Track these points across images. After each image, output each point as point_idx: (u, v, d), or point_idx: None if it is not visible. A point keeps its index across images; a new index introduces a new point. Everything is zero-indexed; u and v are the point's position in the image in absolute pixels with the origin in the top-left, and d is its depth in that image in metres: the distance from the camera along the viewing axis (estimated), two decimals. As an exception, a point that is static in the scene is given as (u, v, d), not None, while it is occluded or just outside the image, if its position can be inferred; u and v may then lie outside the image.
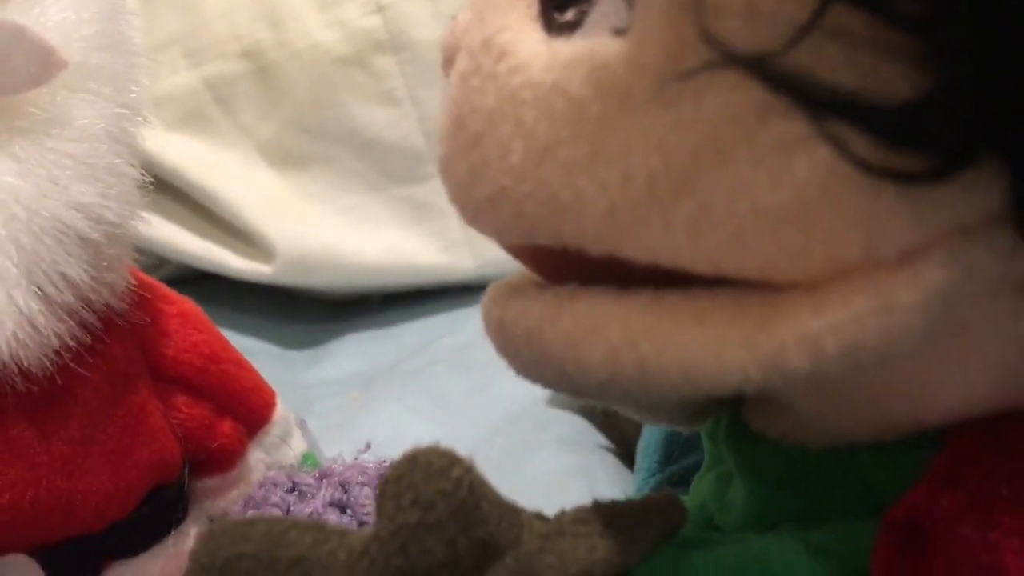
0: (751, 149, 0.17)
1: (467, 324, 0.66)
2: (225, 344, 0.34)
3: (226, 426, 0.33)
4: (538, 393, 0.54)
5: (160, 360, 0.32)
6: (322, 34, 0.67)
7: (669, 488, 0.36)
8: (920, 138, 0.16)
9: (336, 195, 0.68)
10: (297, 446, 0.36)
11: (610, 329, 0.18)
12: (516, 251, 0.22)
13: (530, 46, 0.19)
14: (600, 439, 0.48)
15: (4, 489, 0.26)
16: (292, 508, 0.28)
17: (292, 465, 0.34)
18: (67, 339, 0.26)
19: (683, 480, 0.36)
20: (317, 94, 0.67)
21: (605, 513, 0.20)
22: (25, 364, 0.25)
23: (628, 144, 0.18)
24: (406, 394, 0.56)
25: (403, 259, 0.68)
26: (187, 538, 0.32)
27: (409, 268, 0.68)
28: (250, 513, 0.28)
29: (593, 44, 0.18)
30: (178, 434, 0.32)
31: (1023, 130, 0.16)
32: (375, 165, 0.68)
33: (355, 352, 0.65)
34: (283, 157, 0.68)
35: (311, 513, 0.28)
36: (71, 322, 0.26)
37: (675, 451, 0.37)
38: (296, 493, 0.28)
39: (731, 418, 0.22)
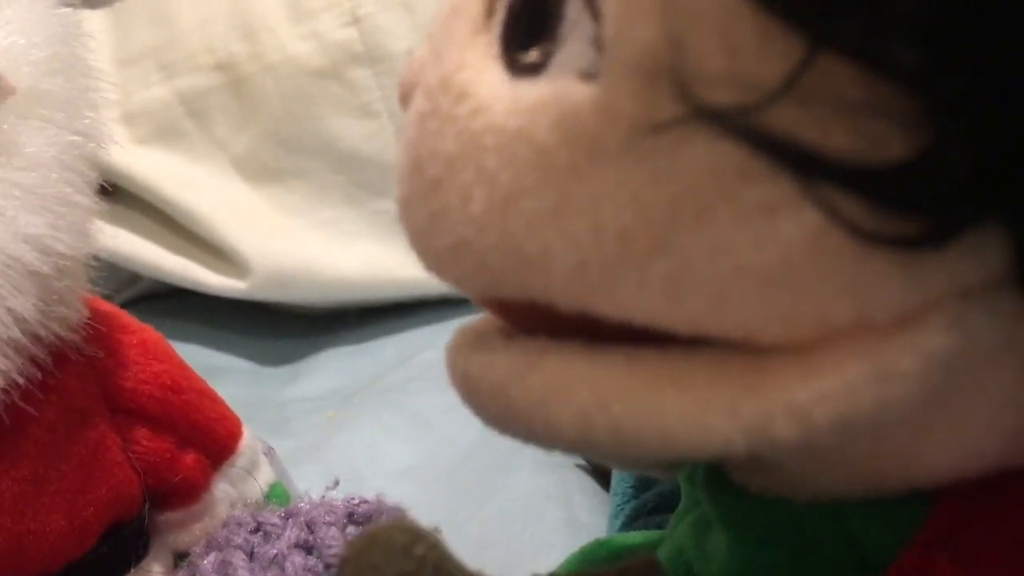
0: (733, 207, 0.16)
1: (446, 338, 0.65)
2: (188, 373, 0.34)
3: (189, 458, 0.32)
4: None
5: (118, 392, 0.31)
6: (297, 46, 0.66)
7: (646, 519, 0.35)
8: (916, 201, 0.15)
9: (313, 209, 0.67)
10: (264, 476, 0.35)
11: (581, 389, 0.17)
12: (481, 300, 0.20)
13: (491, 87, 0.18)
14: (578, 459, 0.47)
15: (-48, 532, 0.25)
16: (256, 549, 0.27)
17: (258, 501, 0.33)
18: (15, 376, 0.25)
19: (657, 508, 0.35)
20: (292, 107, 0.66)
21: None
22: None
23: (599, 196, 0.16)
24: (383, 413, 0.55)
25: (381, 273, 0.67)
26: (149, 575, 0.31)
27: (387, 282, 0.67)
28: (213, 555, 0.27)
29: (560, 88, 0.17)
30: (138, 468, 0.31)
31: None
32: (352, 178, 0.67)
33: (332, 368, 0.64)
34: (258, 171, 0.68)
35: (276, 555, 0.27)
36: (19, 359, 0.25)
37: (649, 478, 0.36)
38: (261, 533, 0.28)
39: (709, 468, 0.21)
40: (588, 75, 0.17)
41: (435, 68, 0.19)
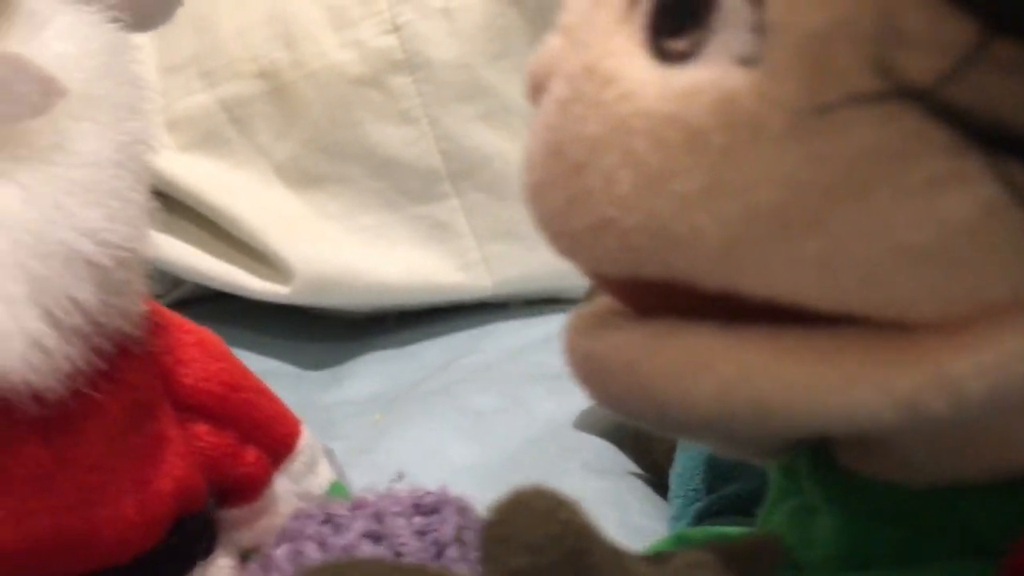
0: (894, 186, 0.16)
1: (486, 343, 0.65)
2: (246, 372, 0.34)
3: (250, 455, 0.33)
4: (561, 415, 0.53)
5: (179, 389, 0.31)
6: (338, 54, 0.67)
7: (712, 520, 0.35)
8: None
9: (353, 214, 0.68)
10: (324, 474, 0.35)
11: (722, 364, 0.18)
12: (608, 282, 0.21)
13: (639, 73, 0.19)
14: (628, 464, 0.47)
15: (23, 518, 0.26)
16: (328, 540, 0.27)
17: (320, 497, 0.33)
18: (79, 363, 0.26)
19: (724, 510, 0.35)
20: (333, 114, 0.67)
21: (717, 556, 0.19)
22: (37, 387, 0.25)
23: (754, 177, 0.17)
24: (429, 416, 0.55)
25: (421, 278, 0.67)
26: (216, 570, 0.31)
27: (427, 287, 0.68)
28: (286, 546, 0.27)
29: (716, 74, 0.17)
30: (201, 463, 0.31)
31: None
32: (392, 184, 0.67)
33: (374, 372, 0.64)
34: (300, 177, 0.68)
35: (346, 545, 0.27)
36: (82, 346, 0.26)
37: (715, 479, 0.36)
38: (330, 525, 0.28)
39: (814, 452, 0.21)
40: (746, 61, 0.17)
41: (577, 56, 0.20)
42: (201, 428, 0.31)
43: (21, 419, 0.25)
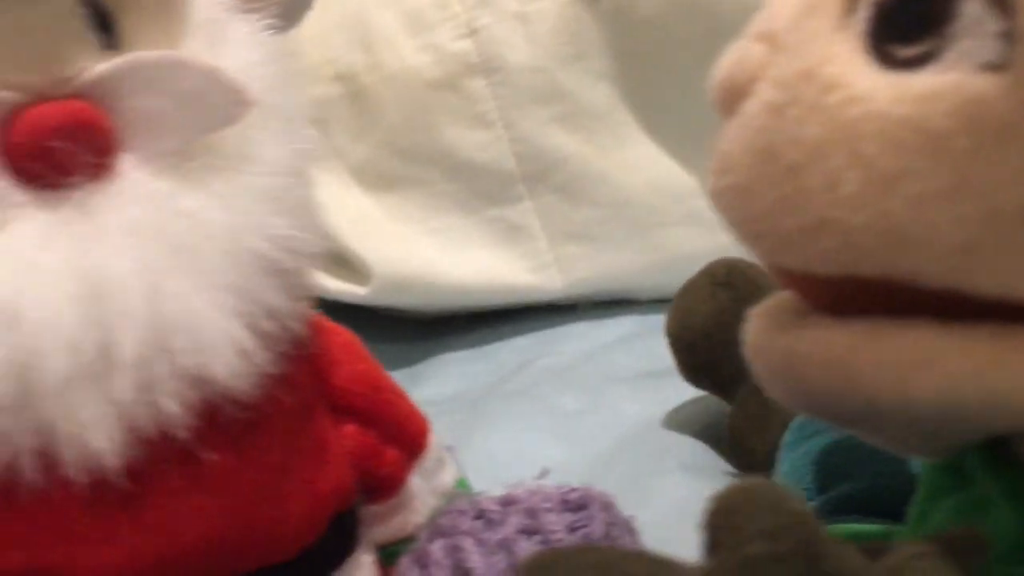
0: None
1: (561, 344, 0.66)
2: (384, 373, 0.35)
3: (391, 453, 0.34)
4: (646, 416, 0.54)
5: (331, 389, 0.32)
6: (414, 58, 0.68)
7: (826, 519, 0.35)
8: None
9: (428, 216, 0.69)
10: (451, 472, 0.36)
11: (949, 360, 0.18)
12: (801, 280, 0.21)
13: (865, 79, 0.19)
14: (722, 465, 0.48)
15: (211, 517, 0.27)
16: (483, 536, 0.28)
17: (450, 494, 0.34)
18: (270, 368, 0.27)
19: (839, 508, 0.35)
20: (409, 117, 0.68)
21: (940, 546, 0.20)
22: (237, 392, 0.26)
23: (1001, 178, 0.18)
24: (513, 417, 0.56)
25: (494, 279, 0.68)
26: (359, 565, 0.32)
27: (500, 288, 0.69)
28: (441, 541, 0.28)
29: (957, 79, 0.18)
30: (350, 461, 0.32)
31: None
32: (466, 187, 0.69)
33: (451, 373, 0.65)
34: (376, 179, 0.69)
35: (502, 540, 0.28)
36: (273, 350, 0.27)
37: (826, 478, 0.37)
38: (483, 520, 0.29)
39: (989, 448, 0.22)
40: (991, 67, 0.18)
41: (789, 62, 0.21)
42: (349, 428, 0.33)
43: (219, 422, 0.26)
